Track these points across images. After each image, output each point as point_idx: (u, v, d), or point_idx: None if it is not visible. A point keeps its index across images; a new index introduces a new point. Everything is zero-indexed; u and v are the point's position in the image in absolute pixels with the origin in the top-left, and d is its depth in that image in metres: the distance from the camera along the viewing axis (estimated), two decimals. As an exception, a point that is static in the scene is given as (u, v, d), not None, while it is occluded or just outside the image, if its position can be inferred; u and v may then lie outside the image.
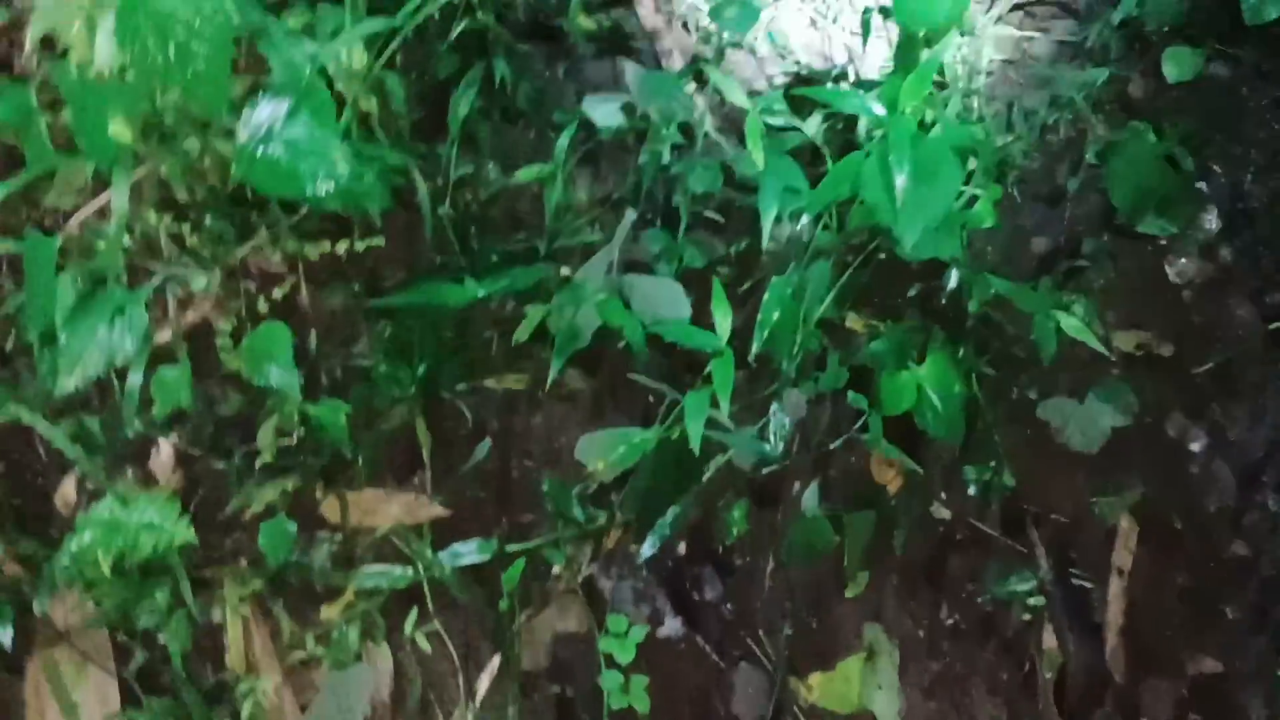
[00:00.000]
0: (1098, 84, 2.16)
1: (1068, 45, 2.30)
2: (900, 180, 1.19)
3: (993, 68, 2.13)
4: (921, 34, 1.19)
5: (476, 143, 1.83)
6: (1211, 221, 2.14)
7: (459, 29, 1.74)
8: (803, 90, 1.31)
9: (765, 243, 1.38)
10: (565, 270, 1.75)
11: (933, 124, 1.62)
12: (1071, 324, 1.61)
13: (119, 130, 1.12)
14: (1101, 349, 1.67)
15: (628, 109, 1.86)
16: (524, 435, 1.64)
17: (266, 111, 1.15)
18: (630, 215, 1.69)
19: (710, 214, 1.74)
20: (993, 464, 1.77)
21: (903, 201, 1.20)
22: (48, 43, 1.24)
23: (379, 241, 1.50)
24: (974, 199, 1.54)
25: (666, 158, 1.81)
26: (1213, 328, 2.04)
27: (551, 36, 2.12)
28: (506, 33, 1.86)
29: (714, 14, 1.45)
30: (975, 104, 2.11)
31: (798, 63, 1.96)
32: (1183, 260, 2.09)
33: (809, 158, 1.65)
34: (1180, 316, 2.05)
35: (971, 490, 1.80)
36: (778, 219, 1.47)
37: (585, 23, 2.20)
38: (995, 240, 2.07)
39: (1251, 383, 1.98)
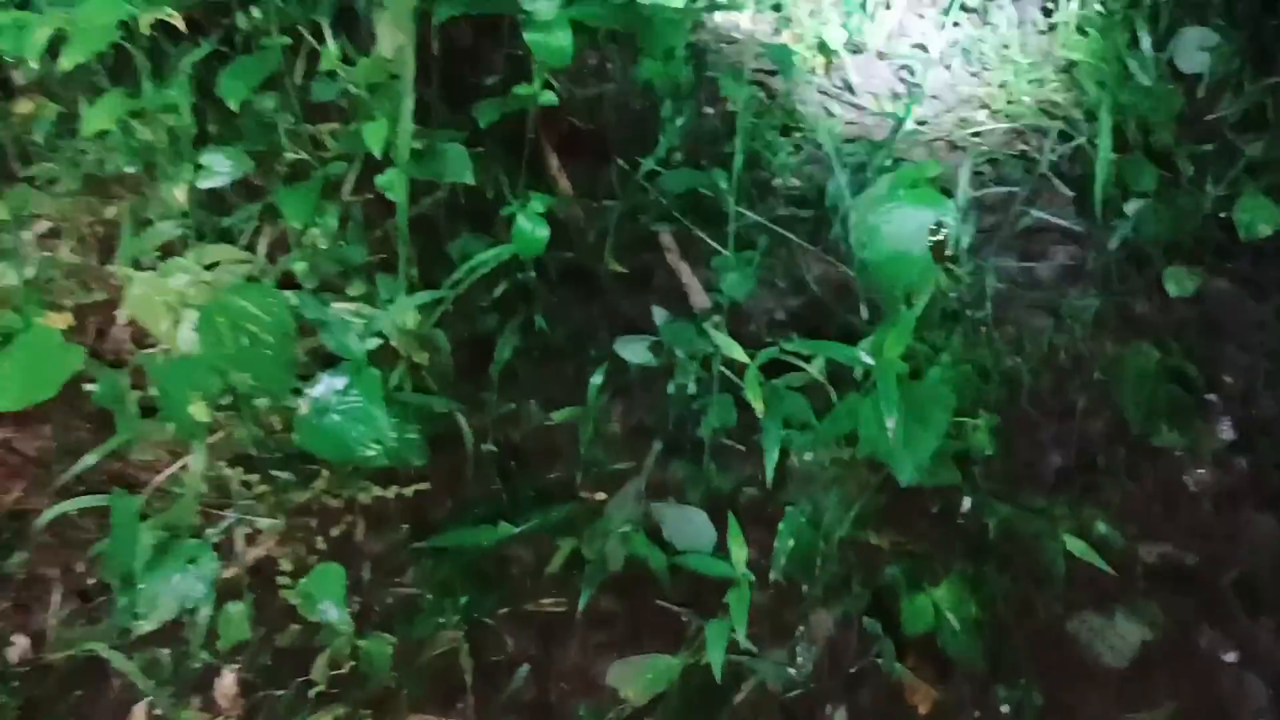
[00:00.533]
0: (1098, 305, 2.29)
1: (1071, 268, 2.46)
2: (890, 422, 1.31)
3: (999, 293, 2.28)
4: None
5: (518, 381, 2.00)
6: (1225, 431, 2.22)
7: (502, 289, 1.94)
8: (796, 345, 1.46)
9: (769, 478, 1.50)
10: (600, 496, 1.89)
11: (933, 359, 1.76)
12: (1077, 546, 1.68)
13: (197, 409, 1.31)
14: (1105, 568, 1.72)
15: (655, 347, 2.03)
16: (561, 662, 1.72)
17: (323, 388, 1.33)
18: (656, 446, 1.83)
19: (729, 443, 1.87)
20: (1022, 682, 1.79)
21: (895, 441, 1.32)
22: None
23: (425, 486, 1.64)
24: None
25: (692, 389, 1.97)
26: (1234, 537, 2.08)
27: (585, 279, 2.34)
28: (543, 287, 2.07)
29: (719, 270, 1.63)
30: (984, 330, 2.25)
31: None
32: (1199, 470, 2.16)
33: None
34: (1201, 527, 2.09)
35: (1004, 709, 1.81)
36: (790, 451, 1.59)
37: (616, 266, 2.42)
38: (1016, 457, 2.16)
39: (1275, 593, 2.00)
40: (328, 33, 1.74)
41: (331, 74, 1.71)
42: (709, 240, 2.46)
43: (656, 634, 1.70)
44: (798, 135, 2.83)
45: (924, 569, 1.65)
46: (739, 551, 1.50)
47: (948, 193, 2.24)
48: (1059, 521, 2.00)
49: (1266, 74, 2.83)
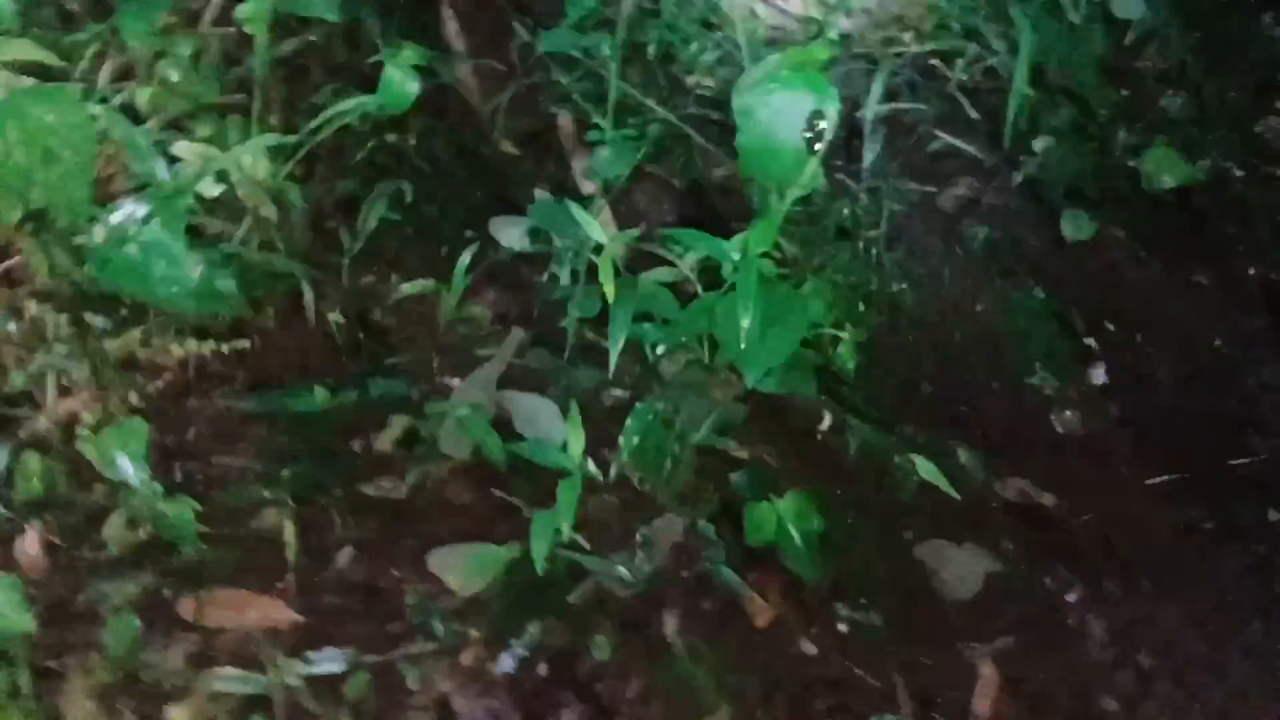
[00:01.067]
0: (992, 239, 2.25)
1: (971, 199, 2.41)
2: (745, 322, 1.24)
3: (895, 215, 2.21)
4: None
5: (381, 254, 1.87)
6: (1099, 377, 2.21)
7: (369, 148, 1.80)
8: (670, 231, 1.38)
9: (611, 372, 1.42)
10: (455, 381, 1.79)
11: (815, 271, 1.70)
12: (928, 470, 1.64)
13: (-11, 227, 1.17)
14: (953, 493, 1.70)
15: (534, 232, 1.93)
16: (391, 546, 1.64)
17: (123, 215, 1.20)
18: (517, 334, 1.74)
19: (595, 337, 1.79)
20: (863, 602, 1.78)
21: (747, 342, 1.24)
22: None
23: (244, 344, 1.53)
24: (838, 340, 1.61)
25: (565, 278, 1.87)
26: (1094, 482, 2.08)
27: (471, 154, 2.21)
28: (422, 157, 1.93)
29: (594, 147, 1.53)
30: (874, 251, 2.19)
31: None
32: (1068, 413, 2.15)
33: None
34: (1063, 469, 2.09)
35: (842, 628, 1.80)
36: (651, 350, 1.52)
37: (508, 147, 2.30)
38: (888, 380, 2.13)
39: (1129, 538, 2.01)
40: None
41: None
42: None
43: (495, 525, 1.63)
44: (719, 34, 2.70)
45: (773, 480, 1.59)
46: (576, 442, 1.43)
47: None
48: (919, 447, 1.98)
49: (1193, 29, 2.78)
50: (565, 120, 2.36)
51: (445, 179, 2.09)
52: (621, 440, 1.52)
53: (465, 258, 1.83)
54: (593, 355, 1.86)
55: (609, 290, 1.35)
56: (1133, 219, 2.50)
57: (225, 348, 1.48)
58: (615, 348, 1.38)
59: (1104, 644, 1.89)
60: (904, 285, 2.16)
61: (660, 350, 1.54)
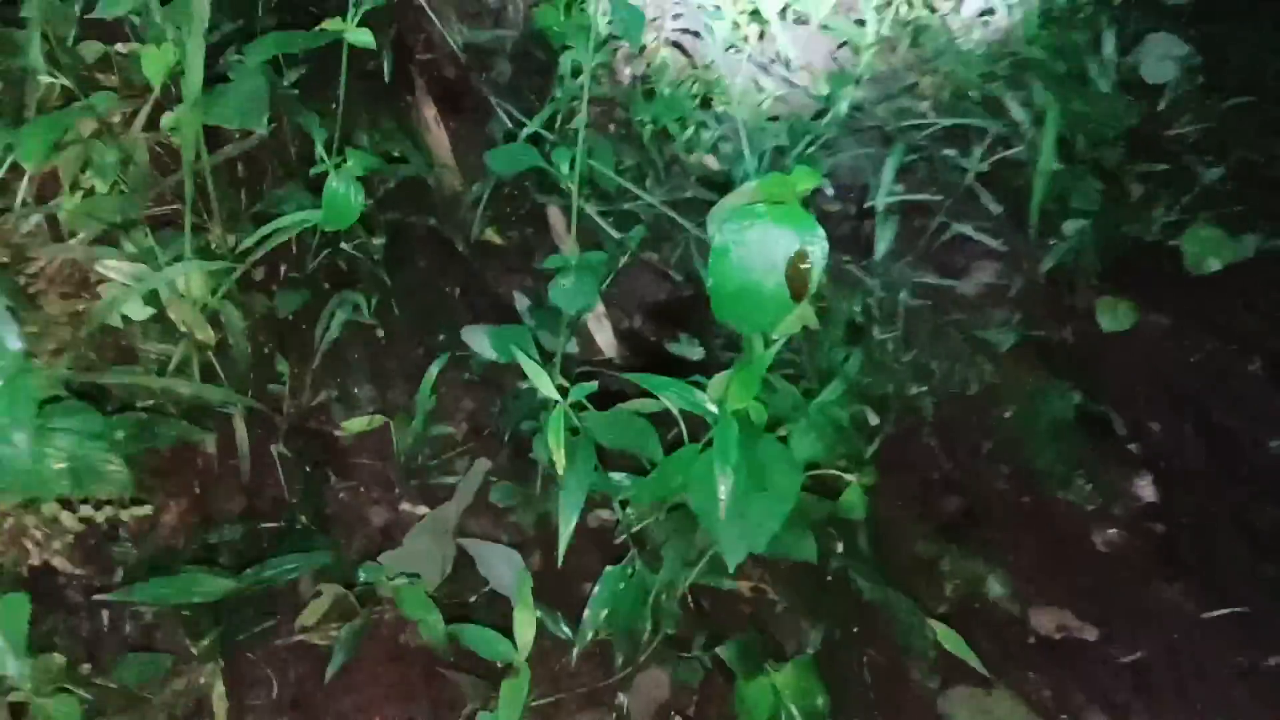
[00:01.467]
0: (1019, 334, 2.04)
1: (995, 289, 2.21)
2: (723, 492, 1.04)
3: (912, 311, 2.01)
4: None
5: (336, 370, 1.70)
6: (1144, 488, 1.98)
7: (322, 256, 1.64)
8: (630, 375, 1.18)
9: (561, 552, 1.22)
10: (421, 510, 1.61)
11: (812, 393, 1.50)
12: (949, 638, 1.43)
13: None
14: (980, 668, 1.48)
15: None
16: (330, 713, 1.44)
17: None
18: (481, 465, 1.55)
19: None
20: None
21: (727, 515, 1.04)
22: None
23: (145, 511, 1.35)
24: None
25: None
26: (1139, 610, 1.85)
27: (448, 253, 2.04)
28: (380, 256, 1.77)
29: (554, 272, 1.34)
30: (889, 349, 1.99)
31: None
32: (1110, 531, 1.93)
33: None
34: (1105, 595, 1.86)
35: (857, 796, 1.58)
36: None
37: (494, 237, 2.12)
38: (908, 502, 1.92)
39: (1179, 678, 1.78)
40: (108, -69, 1.41)
41: (117, -17, 1.38)
42: (599, 220, 2.18)
43: (433, 703, 1.43)
44: (720, 109, 2.53)
45: (767, 647, 1.38)
46: (525, 630, 1.23)
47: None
48: (943, 577, 1.77)
49: (1231, 93, 2.58)
50: (554, 211, 2.19)
51: (416, 282, 1.92)
52: (587, 613, 1.32)
53: (433, 371, 1.65)
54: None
55: (557, 459, 1.15)
56: (1176, 305, 2.28)
57: (125, 515, 1.30)
58: (565, 531, 1.18)
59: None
60: (923, 388, 1.95)
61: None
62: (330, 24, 1.27)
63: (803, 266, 0.99)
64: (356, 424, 1.56)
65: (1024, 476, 1.95)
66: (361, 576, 1.36)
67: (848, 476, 1.43)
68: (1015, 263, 2.19)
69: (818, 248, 0.99)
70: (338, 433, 1.67)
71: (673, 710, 1.53)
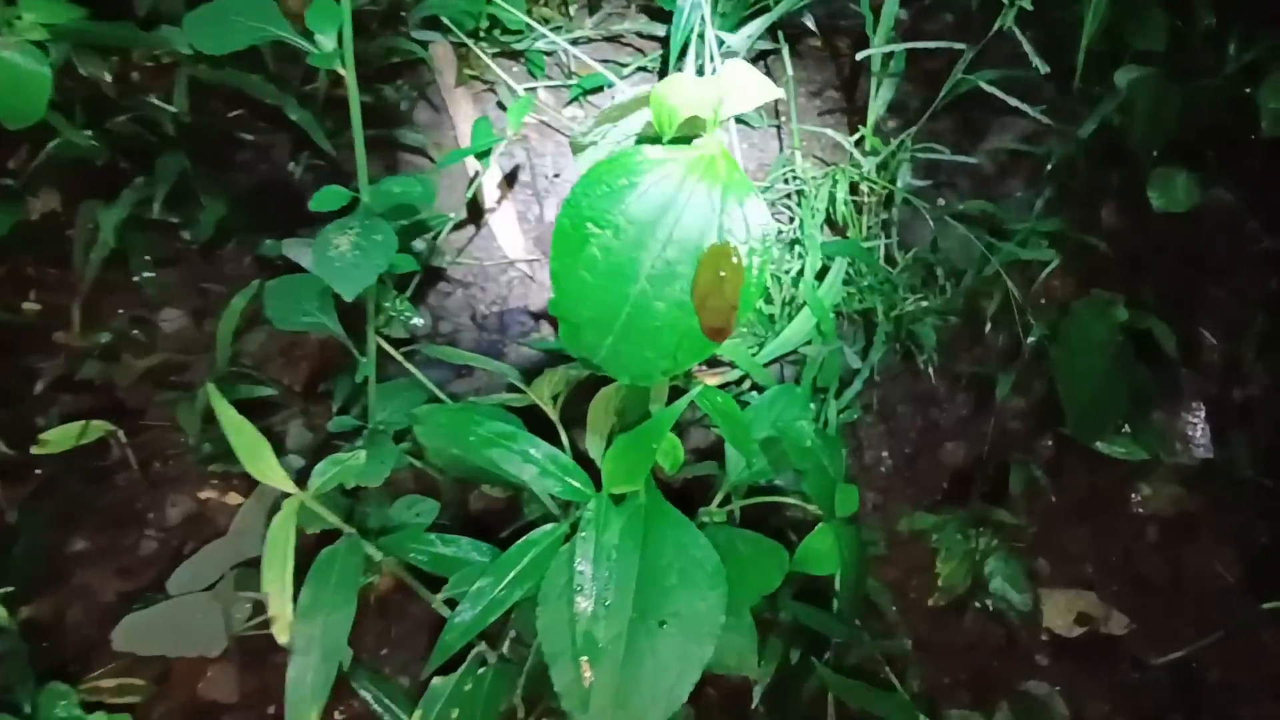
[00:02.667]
0: (1051, 223, 1.54)
1: (1019, 160, 1.69)
2: (587, 664, 0.58)
3: (911, 191, 1.50)
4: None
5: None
6: (1198, 429, 1.55)
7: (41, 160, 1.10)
8: (477, 400, 0.70)
9: None
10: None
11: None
12: None
13: None
14: None
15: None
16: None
17: None
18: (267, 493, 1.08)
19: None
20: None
21: (595, 688, 0.59)
22: None
23: None
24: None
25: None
26: (1183, 590, 1.45)
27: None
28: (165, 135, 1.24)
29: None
30: (883, 248, 1.50)
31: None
32: (1150, 484, 1.50)
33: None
34: (1140, 572, 1.46)
35: None
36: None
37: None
38: (900, 458, 1.47)
39: (1232, 682, 1.40)
40: None
41: None
42: (498, 70, 1.62)
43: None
44: None
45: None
46: None
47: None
48: (935, 560, 1.35)
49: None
50: (441, 52, 1.64)
51: (239, 161, 1.40)
52: None
53: (236, 307, 1.16)
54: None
55: (280, 635, 0.69)
56: (1243, 176, 1.78)
57: None
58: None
59: None
60: (922, 303, 1.47)
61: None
62: None
63: (723, 275, 0.49)
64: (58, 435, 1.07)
65: (1049, 416, 1.50)
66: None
67: (810, 508, 0.97)
68: (1049, 125, 1.65)
69: (759, 236, 0.49)
70: (121, 386, 1.19)
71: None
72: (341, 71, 0.77)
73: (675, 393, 0.78)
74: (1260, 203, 1.78)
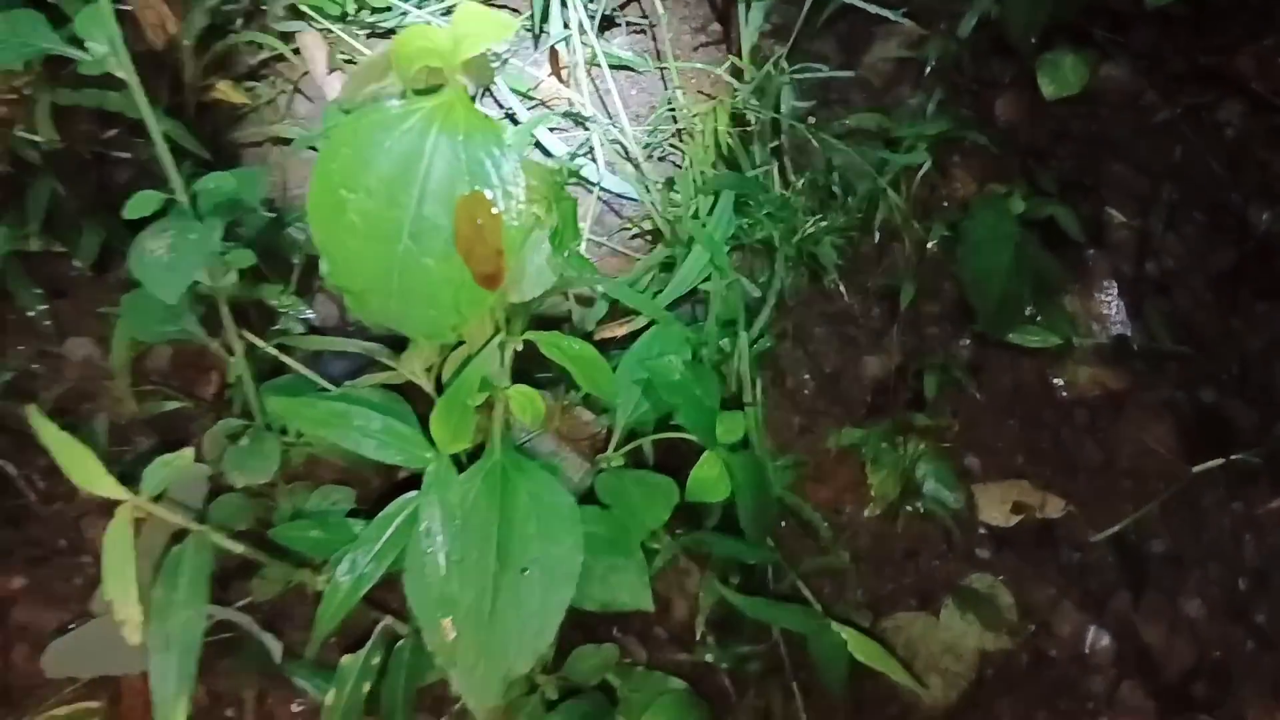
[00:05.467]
0: (940, 125, 1.54)
1: (905, 65, 1.68)
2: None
3: (796, 115, 1.49)
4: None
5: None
6: (1111, 305, 1.56)
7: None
8: (329, 396, 0.70)
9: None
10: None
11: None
12: (864, 648, 1.03)
13: None
14: (909, 683, 1.10)
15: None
16: None
17: None
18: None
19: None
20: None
21: (457, 637, 0.60)
22: None
23: None
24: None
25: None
26: (1115, 465, 1.47)
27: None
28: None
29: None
30: (777, 175, 1.49)
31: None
32: (1070, 368, 1.52)
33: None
34: (1074, 453, 1.48)
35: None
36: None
37: (226, 91, 1.56)
38: (815, 382, 1.48)
39: (1166, 547, 1.42)
40: None
41: None
42: (358, 45, 1.61)
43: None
44: None
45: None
46: None
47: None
48: (868, 473, 1.37)
49: None
50: (310, 40, 1.62)
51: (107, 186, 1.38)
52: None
53: (124, 319, 1.15)
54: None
55: (129, 626, 0.69)
56: (1135, 47, 1.78)
57: None
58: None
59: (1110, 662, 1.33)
60: (821, 222, 1.46)
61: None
62: None
63: (480, 222, 0.49)
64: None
65: (963, 316, 1.51)
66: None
67: (692, 437, 0.98)
68: (930, 27, 1.65)
69: (511, 179, 0.49)
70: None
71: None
72: (118, 74, 0.75)
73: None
74: (1154, 73, 1.78)
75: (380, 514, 0.73)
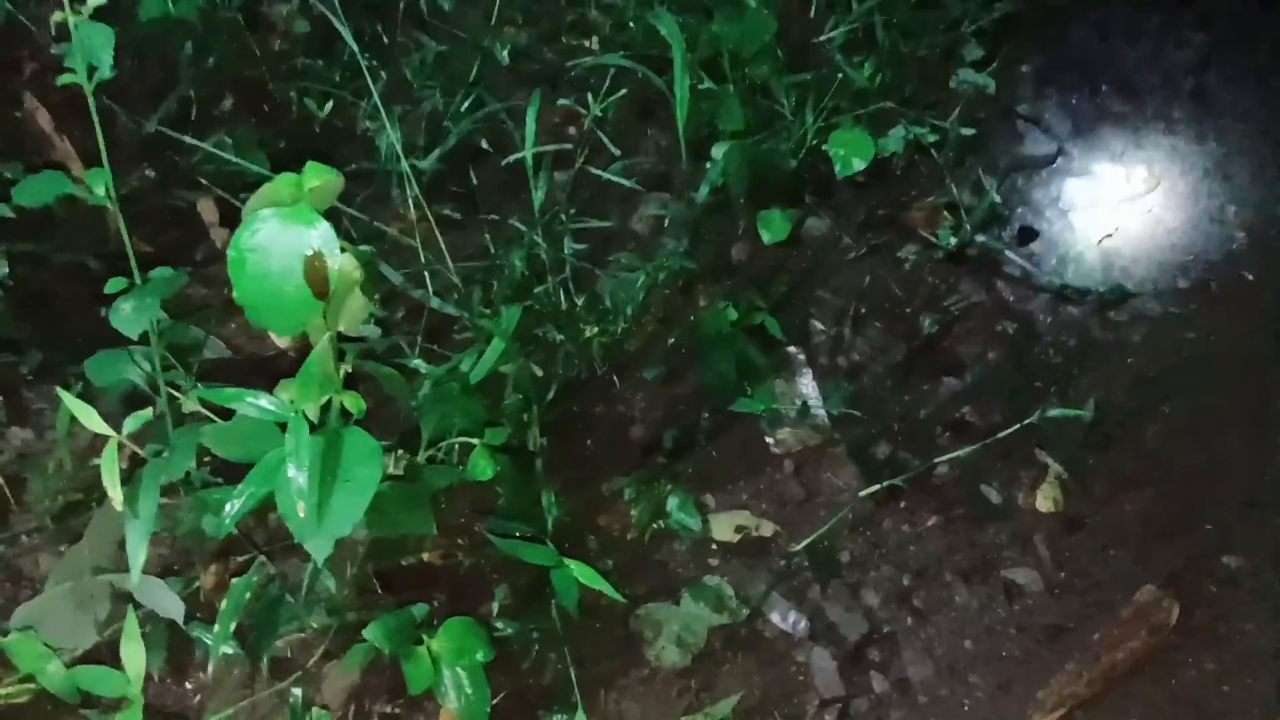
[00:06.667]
0: (683, 262, 2.13)
1: (661, 221, 2.29)
2: (298, 491, 1.07)
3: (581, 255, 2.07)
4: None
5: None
6: (807, 386, 2.14)
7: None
8: (203, 393, 1.19)
9: (134, 581, 1.24)
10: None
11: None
12: (583, 571, 1.52)
13: None
14: (615, 595, 1.59)
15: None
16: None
17: None
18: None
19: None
20: (573, 700, 1.65)
21: (306, 511, 1.08)
22: None
23: None
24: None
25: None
26: (813, 498, 2.01)
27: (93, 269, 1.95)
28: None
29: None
30: (562, 296, 2.05)
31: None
32: (781, 431, 2.07)
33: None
34: (781, 490, 2.01)
35: (547, 736, 1.68)
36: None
37: (144, 246, 2.05)
38: (599, 432, 2.00)
39: (849, 555, 1.95)
40: None
41: None
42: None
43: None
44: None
45: (406, 626, 1.43)
46: (134, 664, 1.24)
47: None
48: (629, 507, 1.87)
49: (877, -11, 2.69)
50: (206, 206, 2.13)
51: (56, 310, 1.84)
52: (217, 627, 1.34)
53: (67, 404, 1.59)
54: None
55: (114, 497, 1.15)
56: (834, 205, 2.43)
57: None
58: (136, 562, 1.19)
59: (834, 679, 1.82)
60: (594, 329, 2.02)
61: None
62: None
63: (318, 266, 1.01)
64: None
65: (699, 397, 2.06)
66: (-11, 635, 1.32)
67: (472, 440, 1.49)
68: (677, 193, 2.28)
69: (329, 246, 1.01)
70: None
71: (364, 695, 1.58)
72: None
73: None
74: (848, 223, 2.44)
75: (261, 461, 1.18)
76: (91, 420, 1.16)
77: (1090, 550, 1.98)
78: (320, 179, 1.04)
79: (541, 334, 2.00)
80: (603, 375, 2.04)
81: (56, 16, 1.12)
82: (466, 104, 2.29)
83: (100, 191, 1.20)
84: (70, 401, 1.17)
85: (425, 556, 1.70)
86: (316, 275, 1.02)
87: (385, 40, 2.42)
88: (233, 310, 1.96)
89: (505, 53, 2.51)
